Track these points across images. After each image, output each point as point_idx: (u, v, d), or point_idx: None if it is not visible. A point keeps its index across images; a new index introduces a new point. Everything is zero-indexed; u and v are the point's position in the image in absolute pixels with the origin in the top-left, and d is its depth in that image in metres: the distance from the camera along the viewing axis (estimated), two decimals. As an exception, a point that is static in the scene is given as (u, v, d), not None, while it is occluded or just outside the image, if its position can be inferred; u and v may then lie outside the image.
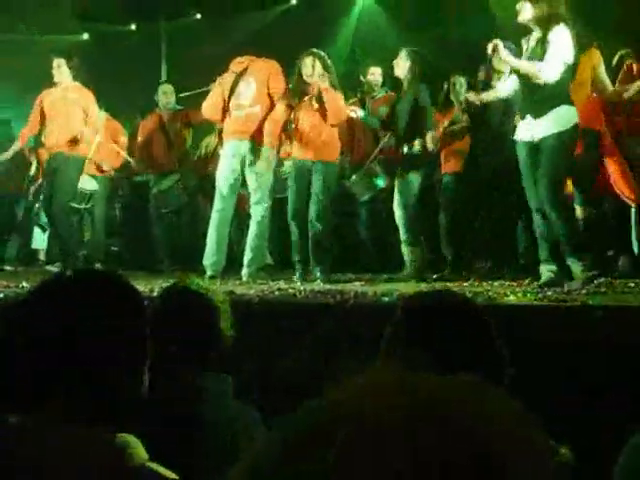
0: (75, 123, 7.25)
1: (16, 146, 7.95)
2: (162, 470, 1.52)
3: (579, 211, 6.15)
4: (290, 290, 4.96)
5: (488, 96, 6.03)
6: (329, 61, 6.55)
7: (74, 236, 7.61)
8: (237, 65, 6.69)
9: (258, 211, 6.49)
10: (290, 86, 6.58)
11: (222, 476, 2.17)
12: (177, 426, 2.26)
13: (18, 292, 5.09)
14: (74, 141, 7.21)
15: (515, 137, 5.33)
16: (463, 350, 1.58)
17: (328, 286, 5.30)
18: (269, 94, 6.56)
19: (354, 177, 7.49)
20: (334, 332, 3.74)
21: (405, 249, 6.63)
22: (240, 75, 6.61)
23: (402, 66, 6.55)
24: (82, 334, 1.50)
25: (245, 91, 6.56)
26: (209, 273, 6.35)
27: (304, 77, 6.47)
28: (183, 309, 2.63)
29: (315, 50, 6.56)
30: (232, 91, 6.58)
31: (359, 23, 10.98)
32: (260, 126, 6.50)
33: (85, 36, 12.75)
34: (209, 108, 6.78)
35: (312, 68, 6.44)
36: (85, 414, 1.48)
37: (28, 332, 1.51)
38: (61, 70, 7.34)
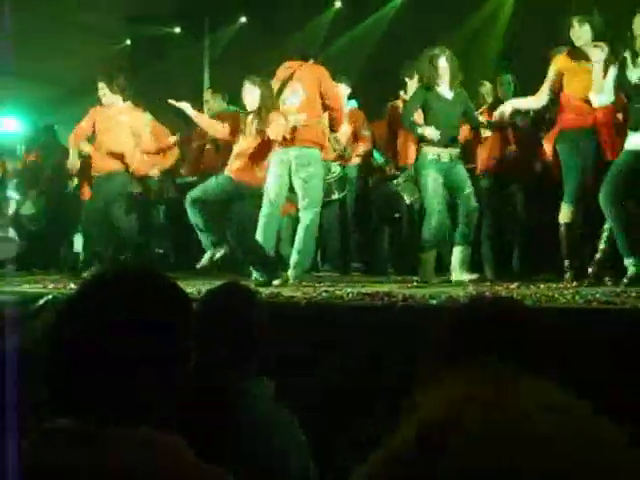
0: (123, 146, 7.52)
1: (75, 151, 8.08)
2: (217, 468, 1.51)
3: None
4: (337, 292, 4.96)
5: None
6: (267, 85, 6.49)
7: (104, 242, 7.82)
8: (284, 71, 6.63)
9: (307, 216, 6.46)
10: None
11: (254, 476, 2.17)
12: (215, 427, 2.28)
13: (66, 293, 5.16)
14: (120, 159, 7.52)
15: (628, 147, 5.39)
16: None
17: (376, 288, 5.29)
18: (319, 100, 6.50)
19: (400, 179, 7.50)
20: (384, 334, 3.75)
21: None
22: (286, 81, 6.57)
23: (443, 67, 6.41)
24: (126, 333, 1.48)
25: (291, 98, 6.51)
26: (255, 276, 6.39)
27: (245, 103, 6.51)
28: (228, 310, 2.65)
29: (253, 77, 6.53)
30: (278, 97, 6.53)
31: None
32: (308, 131, 6.45)
33: (127, 42, 12.91)
34: None
35: (251, 96, 6.44)
36: (126, 414, 1.48)
37: (69, 331, 1.51)
38: (105, 92, 7.59)
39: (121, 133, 7.54)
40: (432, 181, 6.30)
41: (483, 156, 7.23)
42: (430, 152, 6.35)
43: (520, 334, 1.64)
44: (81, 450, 1.41)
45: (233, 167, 6.45)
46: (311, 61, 6.70)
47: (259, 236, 6.42)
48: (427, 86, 6.45)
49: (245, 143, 6.46)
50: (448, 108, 6.43)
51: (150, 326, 1.51)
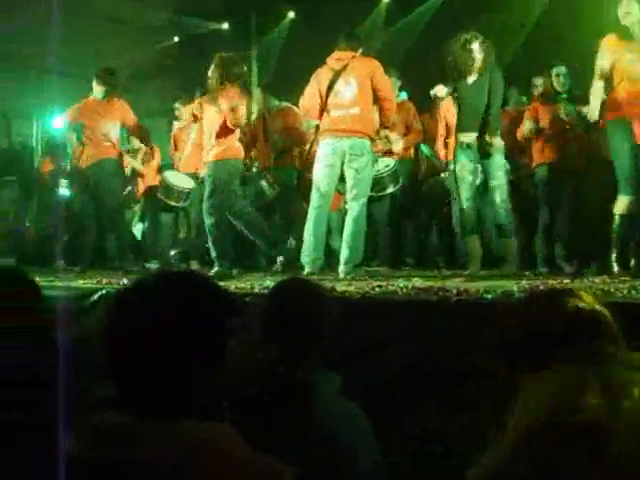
0: (102, 137, 7.82)
1: None
2: (269, 459, 1.53)
3: None
4: (390, 287, 4.90)
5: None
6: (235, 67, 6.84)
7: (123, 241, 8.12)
8: (336, 62, 6.54)
9: (355, 208, 6.42)
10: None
11: (321, 470, 2.15)
12: (280, 422, 2.28)
13: (118, 289, 5.17)
14: (103, 148, 7.82)
15: None
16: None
17: (429, 282, 5.23)
18: (371, 93, 6.43)
19: (446, 174, 7.46)
20: (439, 329, 3.70)
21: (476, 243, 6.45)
22: (339, 73, 6.49)
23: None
24: (168, 332, 1.52)
25: (344, 90, 6.44)
26: (307, 270, 6.33)
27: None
28: (290, 305, 2.66)
29: (223, 55, 6.95)
30: (330, 88, 6.48)
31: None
32: (361, 123, 6.40)
33: (175, 39, 12.97)
34: (306, 106, 6.74)
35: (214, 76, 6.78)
36: (172, 409, 1.50)
37: (118, 327, 1.56)
38: (95, 82, 7.92)
39: (101, 127, 7.86)
40: (460, 168, 6.36)
41: (539, 148, 7.16)
42: (462, 137, 6.37)
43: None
44: (128, 445, 1.44)
45: (214, 151, 6.74)
46: (360, 51, 6.62)
47: (310, 229, 6.40)
48: (457, 76, 6.39)
49: (210, 126, 6.77)
50: (476, 94, 6.36)
51: (195, 323, 1.55)
